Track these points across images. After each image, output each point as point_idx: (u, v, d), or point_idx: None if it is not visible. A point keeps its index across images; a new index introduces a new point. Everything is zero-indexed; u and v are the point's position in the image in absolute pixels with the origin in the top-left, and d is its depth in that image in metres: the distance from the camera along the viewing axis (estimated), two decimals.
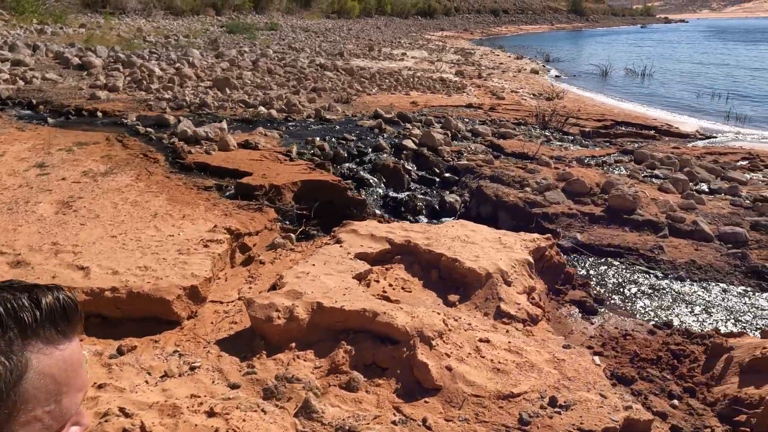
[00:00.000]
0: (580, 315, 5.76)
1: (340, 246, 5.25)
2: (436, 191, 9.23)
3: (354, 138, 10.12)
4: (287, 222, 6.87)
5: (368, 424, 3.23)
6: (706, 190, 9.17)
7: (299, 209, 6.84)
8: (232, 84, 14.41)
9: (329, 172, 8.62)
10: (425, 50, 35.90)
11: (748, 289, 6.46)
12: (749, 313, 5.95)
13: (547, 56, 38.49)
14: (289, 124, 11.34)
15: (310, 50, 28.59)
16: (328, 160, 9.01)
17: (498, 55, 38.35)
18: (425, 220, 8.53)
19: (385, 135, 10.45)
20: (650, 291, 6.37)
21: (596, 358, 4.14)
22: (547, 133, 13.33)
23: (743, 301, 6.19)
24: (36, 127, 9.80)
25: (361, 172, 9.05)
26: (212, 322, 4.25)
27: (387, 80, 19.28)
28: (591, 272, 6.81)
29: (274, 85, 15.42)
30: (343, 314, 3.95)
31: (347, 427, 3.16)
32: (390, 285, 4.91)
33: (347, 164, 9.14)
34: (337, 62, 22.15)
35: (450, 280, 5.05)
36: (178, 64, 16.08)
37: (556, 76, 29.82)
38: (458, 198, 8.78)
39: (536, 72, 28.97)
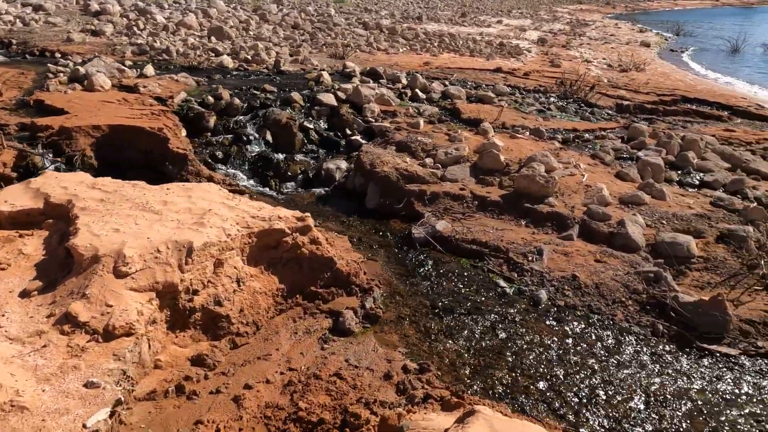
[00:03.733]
0: (321, 334, 3.95)
1: None
2: (332, 156, 7.50)
3: (275, 89, 8.62)
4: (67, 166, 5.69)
5: None
6: (694, 182, 6.48)
7: (56, 158, 5.63)
8: (224, 33, 13.48)
9: (209, 120, 7.29)
10: (532, 20, 32.62)
11: (631, 329, 4.15)
12: (583, 371, 3.73)
13: (677, 30, 33.50)
14: (234, 73, 10.13)
15: (386, 12, 27.05)
16: (214, 111, 7.65)
17: (620, 27, 33.95)
18: (291, 188, 6.90)
19: (315, 89, 8.80)
20: (469, 314, 4.31)
21: (96, 417, 2.46)
22: (561, 103, 10.77)
23: (594, 351, 3.94)
24: None
25: (248, 127, 7.58)
26: None
27: (429, 42, 17.33)
28: (419, 275, 4.84)
29: (276, 38, 14.26)
30: None
31: None
32: None
33: (237, 117, 7.71)
34: (398, 24, 20.46)
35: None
36: (190, 15, 15.47)
37: (671, 50, 25.63)
38: (341, 165, 7.01)
39: (647, 45, 25.01)
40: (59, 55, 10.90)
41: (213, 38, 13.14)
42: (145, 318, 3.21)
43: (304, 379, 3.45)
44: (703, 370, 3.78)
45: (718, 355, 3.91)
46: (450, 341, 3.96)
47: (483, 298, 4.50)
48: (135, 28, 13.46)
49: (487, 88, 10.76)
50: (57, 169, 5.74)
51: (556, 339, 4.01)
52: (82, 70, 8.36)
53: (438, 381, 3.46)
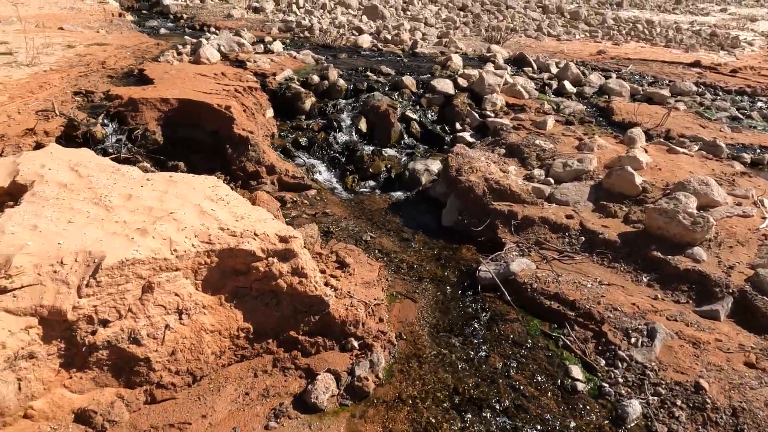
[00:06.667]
0: (278, 403, 2.87)
1: None
2: (430, 154, 6.24)
3: (392, 72, 7.58)
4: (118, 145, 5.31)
5: None
6: None
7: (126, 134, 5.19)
8: (378, 13, 12.83)
9: (305, 102, 6.57)
10: None
11: None
12: None
13: None
14: (364, 53, 9.34)
15: None
16: (315, 92, 6.88)
17: None
18: (368, 188, 5.81)
19: (437, 74, 7.55)
20: (503, 416, 2.86)
21: None
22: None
23: None
24: (121, 32, 10.09)
25: (344, 113, 6.66)
26: None
27: (617, 29, 14.99)
28: (462, 334, 3.47)
29: (434, 19, 13.24)
30: None
31: None
32: None
33: (336, 100, 6.83)
34: (583, 8, 18.23)
35: None
36: None
37: None
38: (431, 167, 5.72)
39: None
40: (214, 30, 11.11)
41: (365, 17, 12.53)
42: (13, 349, 2.42)
43: None
44: None
45: None
46: None
47: (537, 392, 2.99)
48: (294, 6, 13.40)
49: (666, 85, 8.47)
50: (118, 142, 5.39)
51: None
52: (204, 42, 8.17)
53: None
